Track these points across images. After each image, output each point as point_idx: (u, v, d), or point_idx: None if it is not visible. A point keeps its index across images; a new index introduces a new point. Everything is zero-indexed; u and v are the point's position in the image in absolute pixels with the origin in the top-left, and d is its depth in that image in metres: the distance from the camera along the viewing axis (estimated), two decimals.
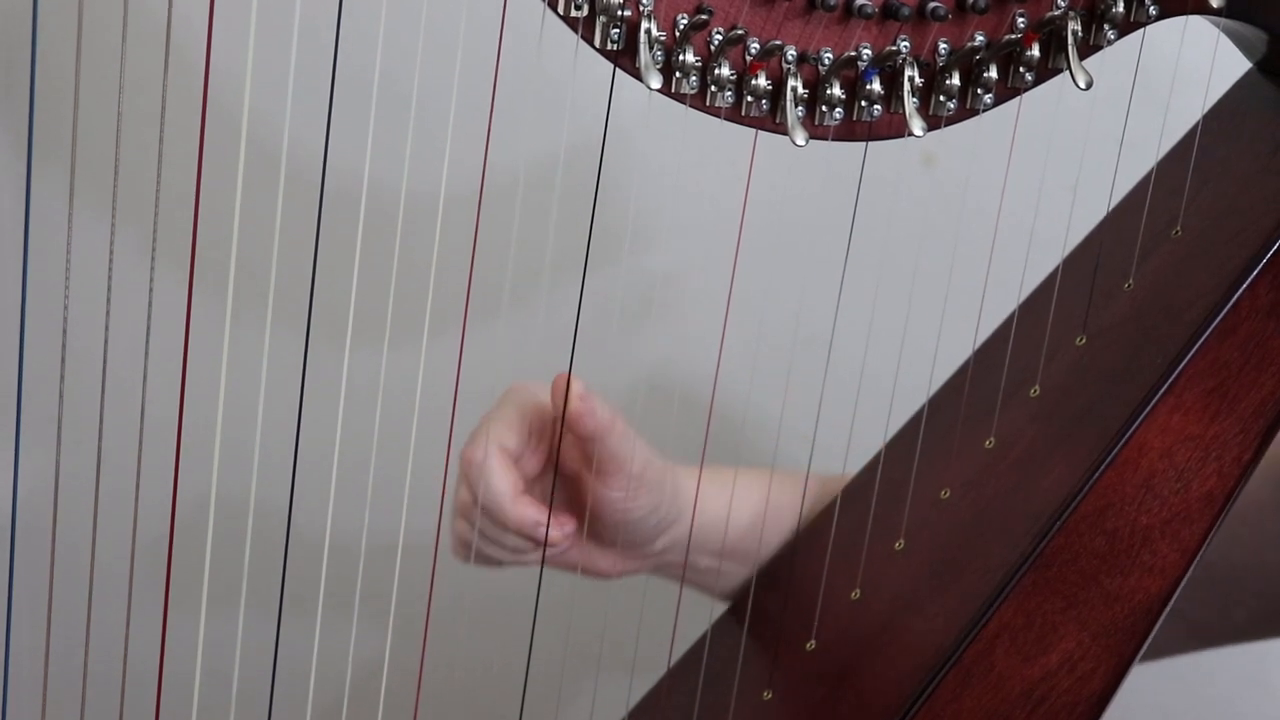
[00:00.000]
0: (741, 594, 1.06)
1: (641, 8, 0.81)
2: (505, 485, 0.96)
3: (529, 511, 0.96)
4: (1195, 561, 0.90)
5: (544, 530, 0.96)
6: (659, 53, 0.82)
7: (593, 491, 0.98)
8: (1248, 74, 0.97)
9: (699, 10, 0.82)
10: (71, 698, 0.95)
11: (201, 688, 0.94)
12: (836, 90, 0.85)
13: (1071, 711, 0.89)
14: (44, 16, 0.80)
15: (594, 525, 1.00)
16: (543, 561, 0.99)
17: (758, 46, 0.84)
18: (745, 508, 1.03)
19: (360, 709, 1.06)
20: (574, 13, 0.81)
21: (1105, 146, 0.96)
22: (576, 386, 0.94)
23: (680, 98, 0.84)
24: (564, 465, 1.00)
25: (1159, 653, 1.11)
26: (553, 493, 0.99)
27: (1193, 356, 0.90)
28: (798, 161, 0.91)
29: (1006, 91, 0.88)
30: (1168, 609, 0.90)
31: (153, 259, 0.85)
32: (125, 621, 0.93)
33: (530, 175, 1.12)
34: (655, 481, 0.99)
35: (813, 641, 0.97)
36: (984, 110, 0.88)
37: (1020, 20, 0.86)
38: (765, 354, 1.16)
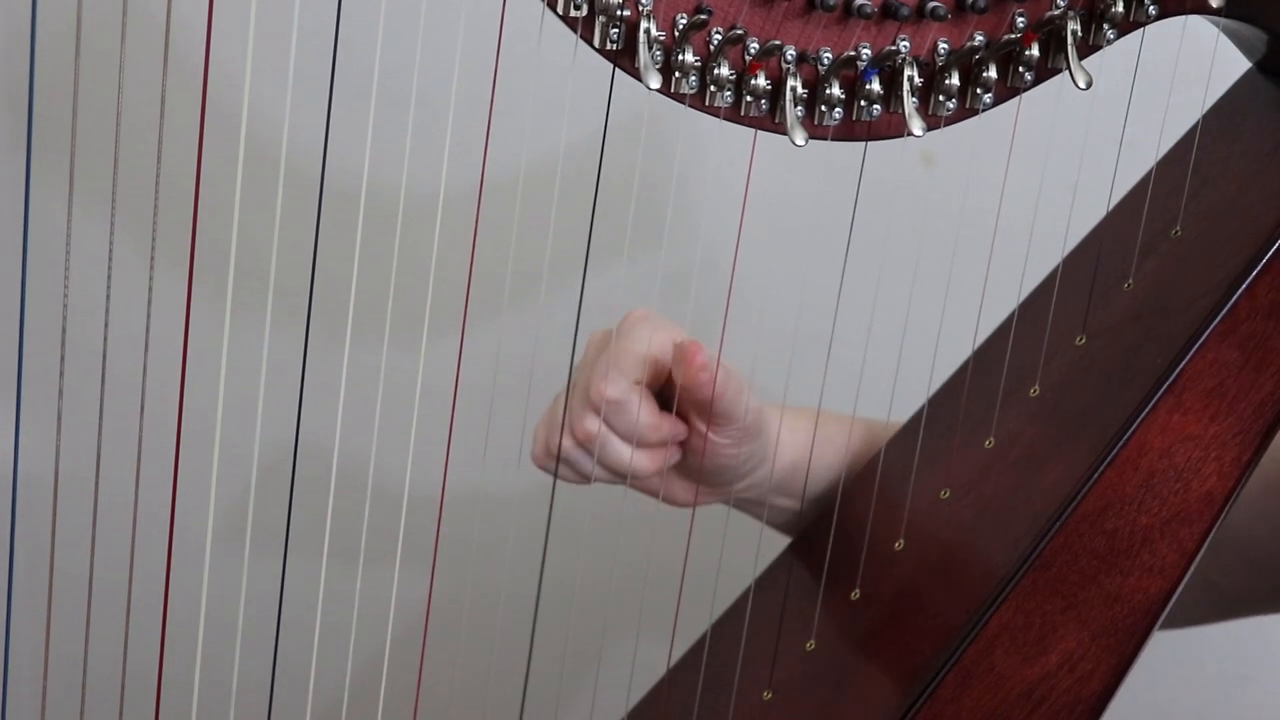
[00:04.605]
0: (742, 597, 1.06)
1: (641, 7, 0.81)
2: (650, 416, 0.97)
3: (670, 426, 0.98)
4: (1195, 562, 0.90)
5: (683, 435, 0.98)
6: (658, 52, 0.82)
7: (701, 433, 0.99)
8: (1247, 74, 0.97)
9: (698, 10, 0.82)
10: (72, 689, 0.95)
11: (201, 685, 0.94)
12: (836, 90, 0.85)
13: (1071, 711, 0.89)
14: (43, 15, 0.81)
15: (688, 460, 1.01)
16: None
17: (757, 46, 0.84)
18: (805, 446, 1.04)
19: (360, 708, 1.06)
20: (573, 12, 0.81)
21: (1105, 146, 0.96)
22: (698, 355, 0.95)
23: (679, 97, 0.84)
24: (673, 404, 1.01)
25: (1191, 620, 1.11)
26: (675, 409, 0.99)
27: (1193, 356, 0.90)
28: (797, 161, 0.91)
29: (1006, 91, 0.88)
30: (1168, 609, 0.90)
31: (152, 257, 0.85)
32: (125, 617, 0.93)
33: (530, 174, 1.12)
34: (756, 428, 1.00)
35: (813, 641, 0.97)
36: (983, 110, 0.88)
37: (1019, 20, 0.86)
38: (765, 353, 1.15)
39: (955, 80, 0.86)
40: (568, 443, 0.98)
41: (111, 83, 0.83)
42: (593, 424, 0.97)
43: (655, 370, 0.98)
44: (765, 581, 1.04)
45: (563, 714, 1.34)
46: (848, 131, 0.86)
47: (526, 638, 1.00)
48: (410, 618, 1.02)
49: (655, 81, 0.82)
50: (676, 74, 0.83)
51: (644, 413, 0.97)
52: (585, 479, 1.00)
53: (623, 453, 0.97)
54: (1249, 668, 1.56)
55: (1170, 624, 1.02)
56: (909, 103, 0.85)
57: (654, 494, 1.02)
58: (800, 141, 0.84)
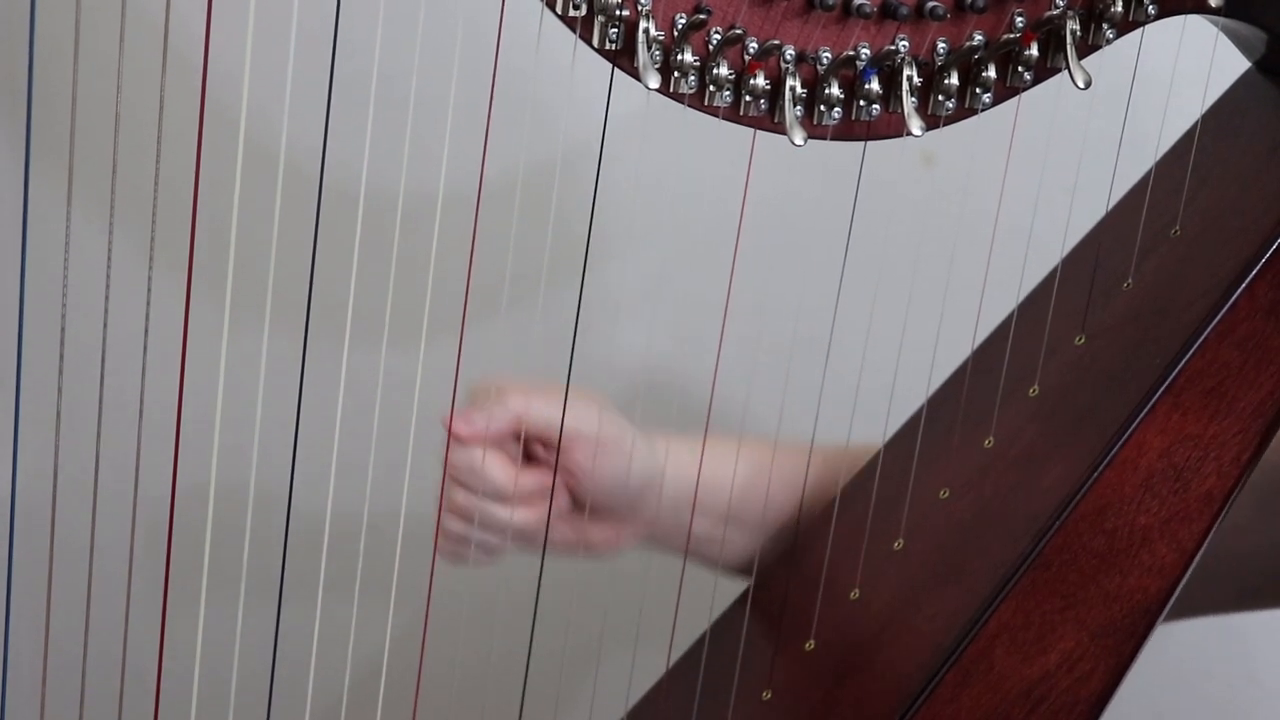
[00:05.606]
0: (741, 597, 1.06)
1: (640, 7, 0.81)
2: (503, 471, 0.99)
3: (534, 476, 0.99)
4: (1194, 561, 0.90)
5: (548, 480, 0.99)
6: (657, 52, 0.82)
7: (561, 467, 1.00)
8: (1247, 73, 0.97)
9: (697, 10, 0.82)
10: (71, 689, 0.95)
11: (200, 684, 0.94)
12: (835, 90, 0.85)
13: (1070, 711, 0.89)
14: (42, 16, 0.80)
15: (578, 499, 1.02)
16: (544, 545, 1.01)
17: (756, 46, 0.84)
18: (742, 472, 1.04)
19: (359, 706, 1.06)
20: (572, 12, 0.81)
21: (1104, 146, 0.96)
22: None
23: (679, 97, 0.84)
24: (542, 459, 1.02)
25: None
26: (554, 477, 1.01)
27: (1192, 356, 0.90)
28: (796, 161, 0.91)
29: (1005, 91, 0.88)
30: (1167, 609, 0.90)
31: (151, 258, 0.85)
32: (124, 617, 0.93)
33: (529, 174, 1.12)
34: (614, 441, 1.00)
35: (812, 641, 0.97)
36: (983, 110, 0.88)
37: (1019, 20, 0.86)
38: (764, 353, 1.15)
39: (954, 80, 0.86)
40: (450, 522, 1.01)
41: (110, 84, 0.82)
42: (458, 494, 0.99)
43: (502, 430, 0.99)
44: (765, 581, 1.04)
45: (562, 714, 1.34)
46: (847, 131, 0.87)
47: (526, 637, 1.00)
48: (409, 617, 1.02)
49: (654, 81, 0.82)
50: (675, 74, 0.83)
51: (495, 469, 0.98)
52: (493, 550, 1.01)
53: (500, 513, 0.99)
54: (1254, 668, 1.56)
55: None
56: (908, 102, 0.85)
57: (574, 548, 1.03)
58: (799, 141, 0.84)
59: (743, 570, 1.07)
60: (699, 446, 1.04)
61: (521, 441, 1.00)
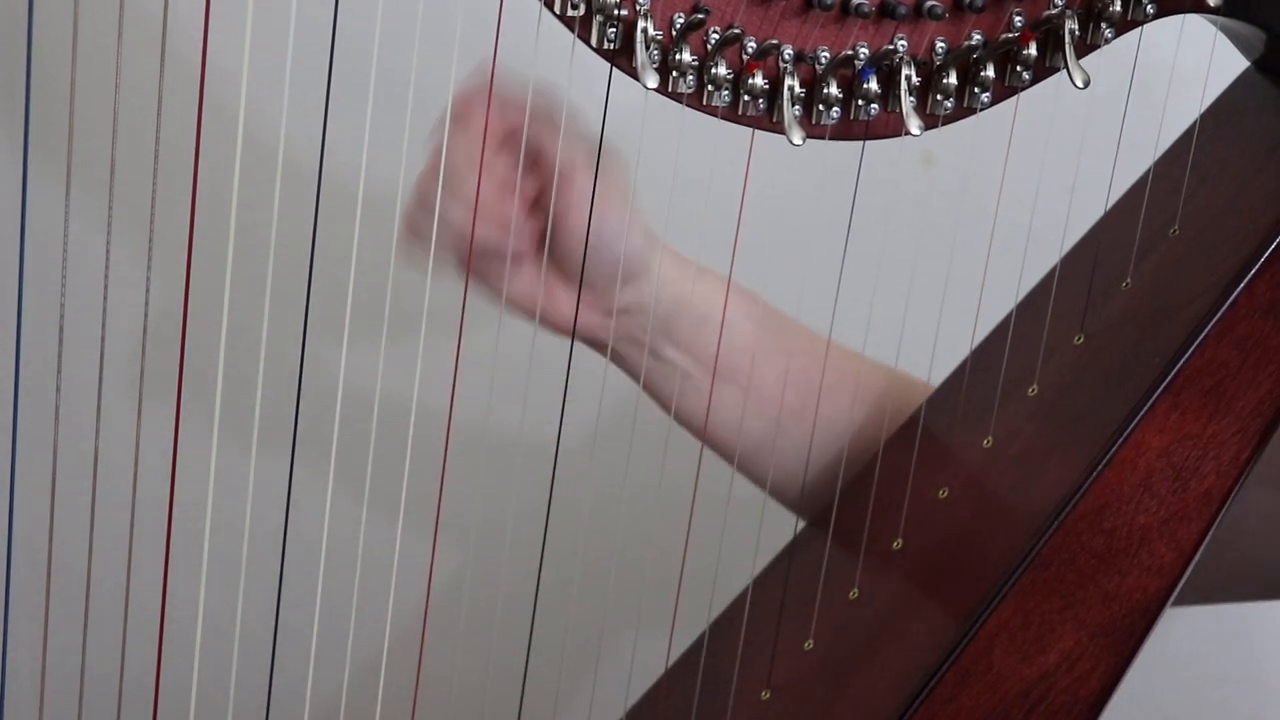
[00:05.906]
0: (740, 596, 1.06)
1: (638, 7, 0.81)
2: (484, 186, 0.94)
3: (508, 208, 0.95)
4: (1193, 562, 0.90)
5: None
6: (656, 52, 0.82)
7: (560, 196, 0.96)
8: (1246, 72, 0.97)
9: (695, 9, 0.82)
10: (69, 697, 0.95)
11: (199, 683, 0.94)
12: (834, 89, 0.85)
13: (1070, 711, 0.89)
14: (39, 14, 0.81)
15: (556, 249, 0.98)
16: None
17: (754, 45, 0.84)
18: (744, 326, 1.02)
19: (358, 706, 1.06)
20: (570, 12, 0.81)
21: (1103, 145, 0.96)
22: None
23: (677, 97, 0.84)
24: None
25: None
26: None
27: (1191, 355, 0.90)
28: (795, 160, 0.91)
29: (1004, 90, 0.88)
30: (1166, 608, 0.90)
31: (149, 256, 0.85)
32: (123, 621, 0.93)
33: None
34: (619, 204, 0.96)
35: (810, 641, 0.97)
36: (981, 109, 0.88)
37: (1017, 19, 0.86)
38: None
39: (953, 79, 0.86)
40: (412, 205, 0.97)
41: (108, 81, 0.83)
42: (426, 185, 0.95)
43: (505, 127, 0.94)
44: (763, 581, 1.04)
45: (561, 714, 1.34)
46: (845, 131, 0.87)
47: (524, 637, 1.00)
48: (407, 619, 1.02)
49: (653, 81, 0.82)
50: (674, 73, 0.83)
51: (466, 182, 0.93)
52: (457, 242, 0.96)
53: (460, 219, 0.94)
54: (1258, 670, 1.56)
55: None
56: (907, 102, 0.85)
57: (531, 303, 1.00)
58: (798, 141, 0.84)
59: (730, 456, 1.05)
60: (709, 284, 1.01)
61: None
